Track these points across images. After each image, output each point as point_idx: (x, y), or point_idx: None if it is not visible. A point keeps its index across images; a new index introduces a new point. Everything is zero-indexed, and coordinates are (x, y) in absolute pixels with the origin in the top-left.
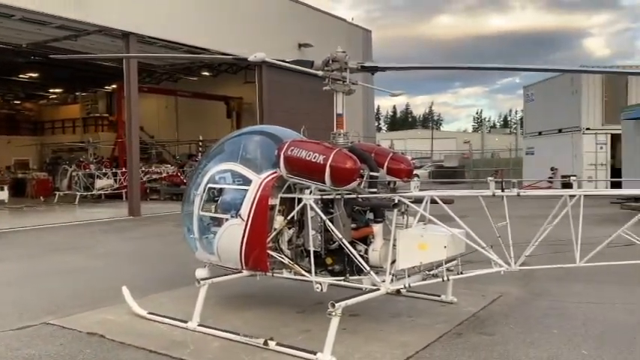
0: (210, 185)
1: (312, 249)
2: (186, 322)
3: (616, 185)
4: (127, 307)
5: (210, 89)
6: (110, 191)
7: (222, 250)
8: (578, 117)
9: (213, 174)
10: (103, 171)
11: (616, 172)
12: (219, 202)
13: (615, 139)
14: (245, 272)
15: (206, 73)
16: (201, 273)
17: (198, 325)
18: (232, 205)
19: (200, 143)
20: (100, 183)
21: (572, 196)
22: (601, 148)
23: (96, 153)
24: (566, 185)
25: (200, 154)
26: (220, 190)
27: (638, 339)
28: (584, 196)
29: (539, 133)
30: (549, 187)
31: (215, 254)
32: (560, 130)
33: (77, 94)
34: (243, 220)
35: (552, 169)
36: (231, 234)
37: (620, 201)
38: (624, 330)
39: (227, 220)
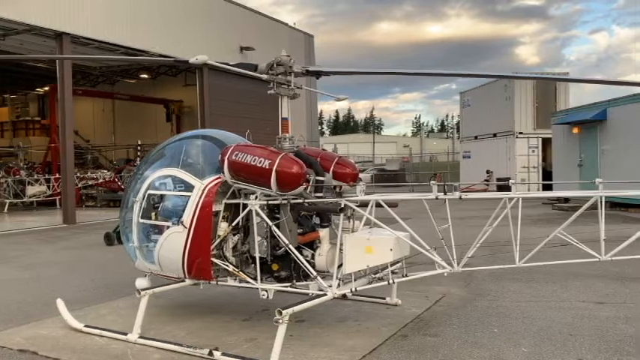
0: (150, 192)
1: (257, 255)
2: (126, 334)
3: (547, 187)
4: (61, 320)
5: (149, 92)
6: (43, 198)
7: (163, 258)
8: (511, 122)
9: (153, 180)
10: (35, 177)
11: (547, 174)
12: (159, 209)
13: (546, 143)
14: (188, 281)
15: (145, 76)
16: (141, 283)
17: (139, 337)
18: (174, 212)
19: (138, 148)
20: (31, 190)
21: (511, 199)
22: (533, 151)
23: (26, 158)
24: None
25: (138, 159)
26: (161, 197)
27: (573, 335)
28: (522, 198)
29: (476, 137)
30: (485, 190)
31: (156, 263)
32: (495, 135)
33: (5, 96)
34: (185, 227)
35: (488, 171)
36: (173, 242)
37: (552, 202)
38: (560, 326)
39: (168, 227)
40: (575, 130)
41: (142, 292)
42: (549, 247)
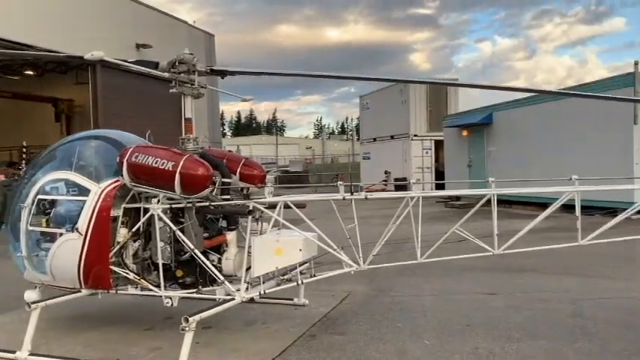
0: (40, 197)
1: (160, 262)
2: (14, 352)
3: (440, 187)
4: None
5: (35, 90)
6: None
7: (56, 268)
8: (407, 125)
9: (43, 184)
10: None
11: (440, 174)
12: (51, 215)
13: (438, 145)
14: (84, 291)
15: (30, 72)
16: (31, 295)
17: (30, 355)
18: (67, 218)
19: (24, 150)
20: None
21: (412, 198)
22: (427, 153)
23: None
24: (402, 187)
25: (24, 161)
26: (53, 202)
27: (470, 325)
28: (422, 197)
29: (374, 139)
30: (384, 190)
31: (48, 273)
32: (392, 137)
33: None
34: (80, 234)
35: (386, 172)
36: (67, 250)
37: (444, 200)
38: (458, 318)
39: (62, 234)
40: (465, 133)
41: (33, 305)
42: (447, 242)
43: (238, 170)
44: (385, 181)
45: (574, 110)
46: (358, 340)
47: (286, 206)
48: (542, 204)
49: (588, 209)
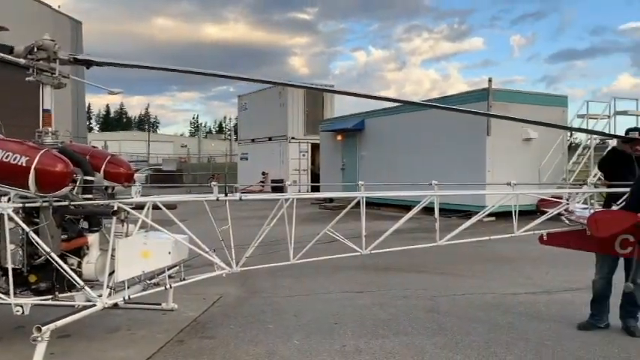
0: None
1: (10, 266)
2: None
3: (315, 188)
4: None
5: None
6: None
7: None
8: (285, 127)
9: None
10: None
11: (315, 176)
12: None
13: (315, 148)
14: None
15: None
16: None
17: None
18: None
19: None
20: None
21: (287, 199)
22: (303, 155)
23: None
24: (279, 189)
25: None
26: None
27: (338, 323)
28: (297, 199)
29: (253, 140)
30: (261, 191)
31: None
32: (270, 139)
33: None
34: None
35: (263, 173)
36: None
37: (319, 202)
38: (327, 317)
39: None
40: (339, 138)
41: None
42: (319, 243)
43: (103, 168)
44: (262, 182)
45: (436, 120)
46: (228, 344)
47: (155, 207)
48: (407, 206)
49: (448, 212)
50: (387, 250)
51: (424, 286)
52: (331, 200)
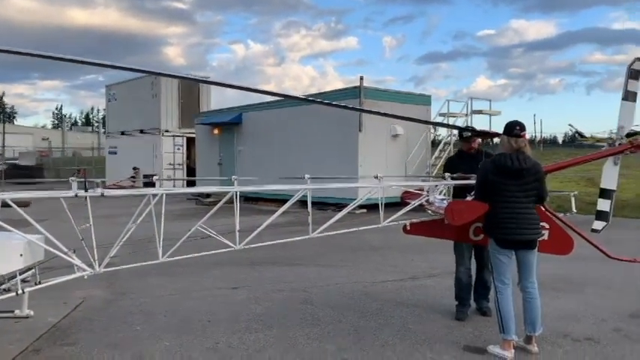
0: None
1: None
2: None
3: (191, 183)
4: None
5: None
6: None
7: None
8: (158, 119)
9: None
10: None
11: (191, 171)
12: None
13: (190, 142)
14: None
15: None
16: None
17: None
18: None
19: None
20: None
21: (155, 195)
22: (178, 149)
23: None
24: (151, 184)
25: None
26: None
27: (211, 321)
28: (167, 194)
29: (123, 133)
30: (132, 186)
31: None
32: (142, 131)
33: None
34: None
35: (134, 168)
36: None
37: (195, 197)
38: (200, 315)
39: None
40: (216, 131)
41: None
42: (192, 240)
43: None
44: (134, 177)
45: (312, 116)
46: (91, 350)
47: (5, 204)
48: (284, 200)
49: (324, 205)
50: (261, 244)
51: (298, 279)
52: (208, 196)
